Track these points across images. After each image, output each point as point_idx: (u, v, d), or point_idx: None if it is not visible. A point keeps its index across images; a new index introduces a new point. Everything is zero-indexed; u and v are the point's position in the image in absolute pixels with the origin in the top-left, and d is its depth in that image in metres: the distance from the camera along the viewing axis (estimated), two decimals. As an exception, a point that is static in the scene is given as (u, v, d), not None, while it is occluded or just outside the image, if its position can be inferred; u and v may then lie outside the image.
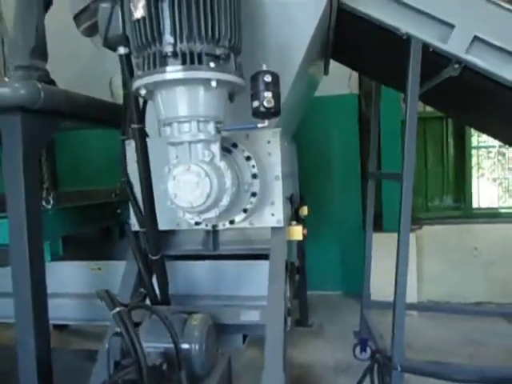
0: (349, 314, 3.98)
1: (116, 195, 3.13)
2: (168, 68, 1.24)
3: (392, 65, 2.50)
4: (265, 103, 1.31)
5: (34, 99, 1.64)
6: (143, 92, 1.31)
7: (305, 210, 2.74)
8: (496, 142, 4.52)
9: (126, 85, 1.78)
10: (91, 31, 1.54)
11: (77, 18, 1.53)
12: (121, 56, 1.44)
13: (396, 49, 1.99)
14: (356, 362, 2.94)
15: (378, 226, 3.95)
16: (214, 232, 2.04)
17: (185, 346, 1.39)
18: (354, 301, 4.45)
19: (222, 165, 1.39)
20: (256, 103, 1.33)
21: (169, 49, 1.22)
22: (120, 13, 1.37)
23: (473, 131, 4.51)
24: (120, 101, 1.71)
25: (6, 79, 1.75)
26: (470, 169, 4.58)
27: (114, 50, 1.44)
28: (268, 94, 1.31)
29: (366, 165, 4.82)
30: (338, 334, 3.50)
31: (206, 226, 1.66)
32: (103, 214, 2.95)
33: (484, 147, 4.84)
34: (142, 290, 1.82)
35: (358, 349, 2.99)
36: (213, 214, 1.42)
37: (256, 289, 1.93)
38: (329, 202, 4.55)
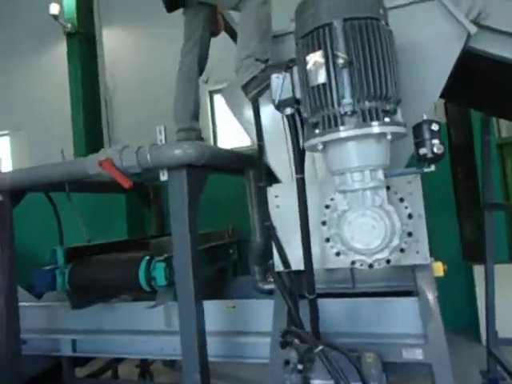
0: (461, 352, 3.78)
1: (229, 236, 3.36)
2: (347, 126, 1.39)
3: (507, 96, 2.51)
4: (434, 149, 1.40)
5: (199, 157, 1.88)
6: (320, 147, 1.47)
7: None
8: None
9: (260, 137, 1.99)
10: (257, 96, 1.78)
11: (245, 86, 1.77)
12: (287, 116, 1.64)
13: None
14: (489, 405, 2.77)
15: (480, 258, 3.79)
16: (352, 270, 2.12)
17: None
18: (461, 337, 4.22)
19: (391, 208, 1.49)
20: (424, 150, 1.43)
21: (348, 109, 1.38)
22: (290, 80, 1.57)
23: None
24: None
25: (163, 141, 1.99)
26: None
27: (282, 111, 1.64)
28: (436, 141, 1.41)
29: (459, 193, 4.68)
30: (458, 375, 3.31)
31: (361, 265, 1.74)
32: (220, 255, 3.17)
33: None
34: (293, 327, 1.92)
35: (488, 390, 2.83)
36: (384, 254, 1.51)
37: (397, 326, 1.96)
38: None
